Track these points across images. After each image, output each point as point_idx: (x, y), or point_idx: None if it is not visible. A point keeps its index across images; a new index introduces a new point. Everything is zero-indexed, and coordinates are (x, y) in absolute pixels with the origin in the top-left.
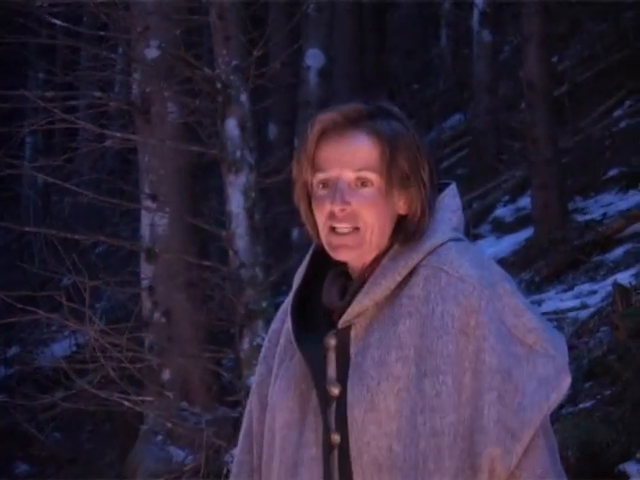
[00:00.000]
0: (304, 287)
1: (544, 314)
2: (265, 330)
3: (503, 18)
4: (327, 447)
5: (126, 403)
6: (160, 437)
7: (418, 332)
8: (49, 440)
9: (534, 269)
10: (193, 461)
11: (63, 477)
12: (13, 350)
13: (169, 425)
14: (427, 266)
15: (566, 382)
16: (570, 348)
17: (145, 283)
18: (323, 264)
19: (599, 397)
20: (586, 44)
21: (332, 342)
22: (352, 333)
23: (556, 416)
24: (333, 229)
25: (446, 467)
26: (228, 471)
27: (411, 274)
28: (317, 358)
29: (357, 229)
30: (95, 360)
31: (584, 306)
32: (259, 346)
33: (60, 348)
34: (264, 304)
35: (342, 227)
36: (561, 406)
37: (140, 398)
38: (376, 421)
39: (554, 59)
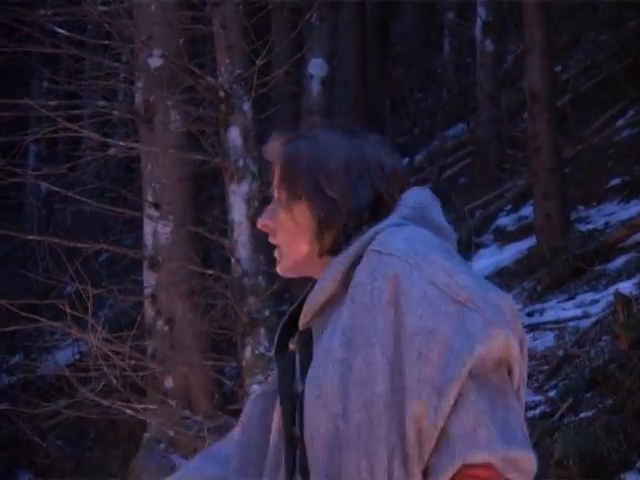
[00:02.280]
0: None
1: (545, 323)
2: (267, 338)
3: (506, 28)
4: (291, 442)
5: (128, 411)
6: (162, 445)
7: (354, 314)
8: (52, 448)
9: (536, 278)
10: None
11: None
12: (16, 358)
13: (171, 433)
14: (366, 253)
15: (496, 333)
16: (571, 357)
17: (148, 291)
18: None
19: (600, 406)
20: (588, 54)
21: (295, 345)
22: (313, 333)
23: (557, 425)
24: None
25: (378, 435)
26: None
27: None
28: (286, 363)
29: (278, 244)
30: (98, 368)
31: (586, 315)
32: (261, 354)
33: (63, 356)
34: (266, 312)
35: (272, 243)
36: (562, 415)
37: (142, 406)
38: (324, 405)
39: (557, 69)
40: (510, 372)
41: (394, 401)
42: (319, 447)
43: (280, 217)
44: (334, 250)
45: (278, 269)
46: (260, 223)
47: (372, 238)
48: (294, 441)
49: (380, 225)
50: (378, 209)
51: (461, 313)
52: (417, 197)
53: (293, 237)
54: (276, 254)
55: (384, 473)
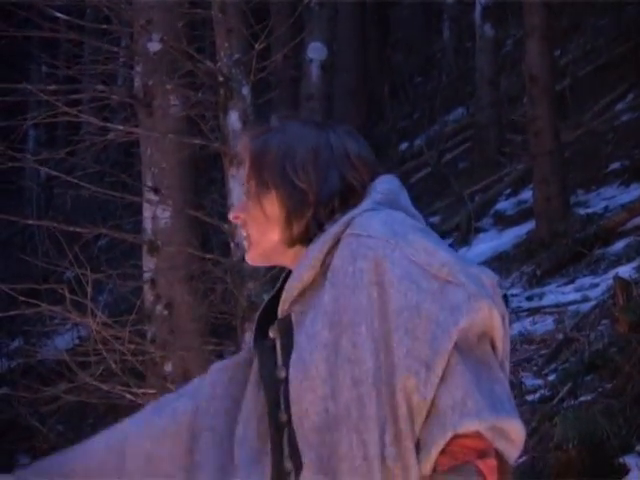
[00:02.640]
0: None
1: (545, 307)
2: None
3: (505, 12)
4: (277, 428)
5: (128, 396)
6: None
7: (336, 297)
8: (51, 433)
9: (535, 262)
10: None
11: None
12: (16, 343)
13: None
14: (344, 237)
15: (479, 306)
16: (571, 341)
17: (147, 276)
18: None
19: (600, 390)
20: (588, 38)
21: (275, 332)
22: (293, 319)
23: (557, 409)
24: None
25: (368, 413)
26: None
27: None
28: (267, 351)
29: (248, 234)
30: (97, 353)
31: (585, 299)
32: None
33: (62, 341)
34: (265, 297)
35: (243, 234)
36: (562, 399)
37: (142, 391)
38: (311, 388)
39: (556, 53)
40: (493, 345)
41: (383, 378)
42: (309, 429)
43: (250, 208)
44: (305, 239)
45: (247, 258)
46: (232, 215)
47: (348, 223)
48: (280, 426)
49: (355, 210)
50: (348, 197)
51: (443, 288)
52: (387, 184)
53: (263, 227)
54: (246, 243)
55: (377, 448)
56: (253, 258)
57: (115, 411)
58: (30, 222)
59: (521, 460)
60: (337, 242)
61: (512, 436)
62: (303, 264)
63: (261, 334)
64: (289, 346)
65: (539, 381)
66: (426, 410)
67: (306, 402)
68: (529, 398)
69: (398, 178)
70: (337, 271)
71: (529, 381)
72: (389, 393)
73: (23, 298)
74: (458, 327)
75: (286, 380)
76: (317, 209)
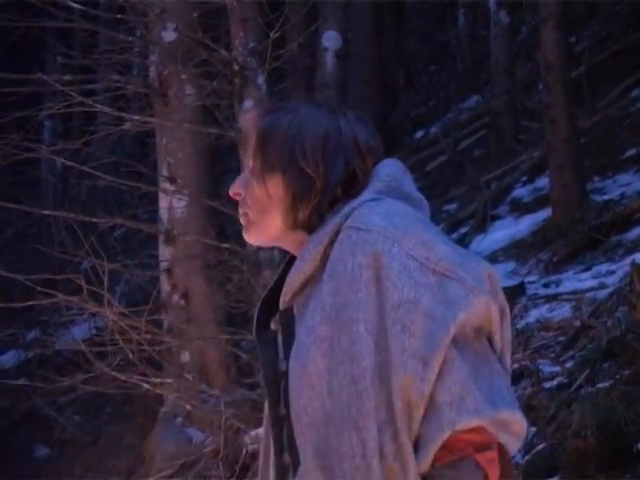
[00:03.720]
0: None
1: (562, 294)
2: None
3: None
4: (277, 421)
5: (145, 385)
6: (179, 419)
7: (334, 291)
8: (69, 423)
9: (552, 249)
10: (212, 443)
11: (83, 460)
12: (32, 333)
13: (188, 407)
14: (343, 229)
15: (477, 300)
16: (588, 328)
17: (163, 265)
18: None
19: (617, 377)
20: (603, 24)
21: (276, 324)
22: (295, 312)
23: (574, 396)
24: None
25: (367, 410)
26: (247, 453)
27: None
28: (268, 343)
29: (246, 213)
30: (114, 343)
31: (602, 286)
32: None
33: (79, 331)
34: None
35: (239, 211)
36: (580, 386)
37: (159, 380)
38: (309, 384)
39: (571, 39)
40: (491, 338)
41: (381, 375)
42: (306, 425)
43: (253, 187)
44: (308, 226)
45: (246, 236)
46: (231, 191)
47: (349, 214)
48: (280, 421)
49: (356, 201)
50: (351, 185)
51: (441, 283)
52: (389, 169)
53: (265, 209)
54: (243, 221)
55: (375, 446)
56: (254, 239)
57: (132, 401)
58: (46, 213)
59: (539, 447)
60: (337, 233)
61: (514, 427)
62: (304, 256)
63: (262, 325)
64: (290, 339)
65: (557, 368)
66: (424, 406)
67: (304, 398)
68: (547, 385)
69: (400, 161)
70: (336, 264)
71: (546, 368)
72: (386, 390)
73: (40, 289)
74: (455, 322)
75: (286, 374)
76: (322, 197)
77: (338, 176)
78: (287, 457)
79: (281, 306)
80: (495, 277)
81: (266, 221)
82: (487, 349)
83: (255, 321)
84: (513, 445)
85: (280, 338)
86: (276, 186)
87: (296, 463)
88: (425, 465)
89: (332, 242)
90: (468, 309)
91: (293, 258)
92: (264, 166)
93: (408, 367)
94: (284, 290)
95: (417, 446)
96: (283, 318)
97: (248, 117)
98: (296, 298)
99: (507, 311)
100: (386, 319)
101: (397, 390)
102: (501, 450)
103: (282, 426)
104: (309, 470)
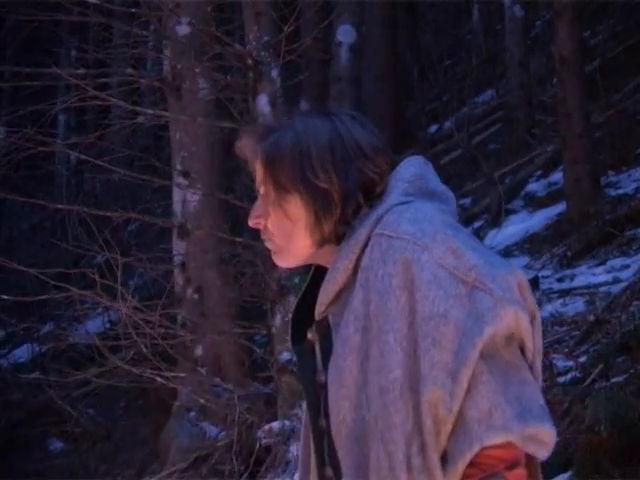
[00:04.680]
0: (310, 293)
1: (576, 289)
2: None
3: None
4: (318, 433)
5: (159, 379)
6: (193, 413)
7: (366, 300)
8: (83, 417)
9: (566, 244)
10: (226, 437)
11: (97, 453)
12: (47, 327)
13: (202, 401)
14: (373, 236)
15: (505, 312)
16: (602, 322)
17: (177, 260)
18: None
19: (632, 371)
20: (618, 19)
21: (313, 335)
22: (330, 321)
23: (588, 391)
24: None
25: (394, 422)
26: (260, 446)
27: (366, 248)
28: (306, 353)
29: (271, 239)
30: (128, 337)
31: (616, 280)
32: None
33: (93, 325)
34: (296, 280)
35: (263, 238)
36: (593, 381)
37: (173, 374)
38: (347, 396)
39: (586, 34)
40: (523, 346)
41: (409, 387)
42: (346, 438)
43: (271, 215)
44: (335, 238)
45: (277, 262)
46: (251, 222)
47: (378, 220)
48: (321, 433)
49: (384, 205)
50: (370, 189)
51: (470, 294)
52: (413, 168)
53: (290, 233)
54: (270, 246)
55: (402, 460)
56: (284, 263)
57: (146, 395)
58: (60, 207)
59: None
60: (368, 240)
61: (543, 439)
62: (336, 267)
63: (298, 336)
64: (328, 350)
65: (570, 363)
66: (452, 422)
67: (344, 410)
68: (560, 380)
69: (422, 156)
70: (367, 272)
71: (560, 363)
72: (415, 404)
73: (54, 283)
74: (483, 336)
75: (325, 386)
76: (344, 207)
77: (354, 183)
78: (329, 470)
79: (316, 317)
80: (525, 283)
81: (294, 245)
82: (518, 357)
83: (290, 331)
84: (541, 454)
85: (318, 349)
86: (295, 208)
87: (339, 476)
88: None
89: (363, 249)
90: (495, 322)
91: (319, 267)
92: (277, 191)
93: (438, 382)
94: (319, 301)
95: (445, 461)
96: (319, 328)
97: (244, 145)
98: (330, 308)
99: (538, 316)
100: (416, 331)
101: (426, 404)
102: (529, 460)
103: (323, 439)
104: None
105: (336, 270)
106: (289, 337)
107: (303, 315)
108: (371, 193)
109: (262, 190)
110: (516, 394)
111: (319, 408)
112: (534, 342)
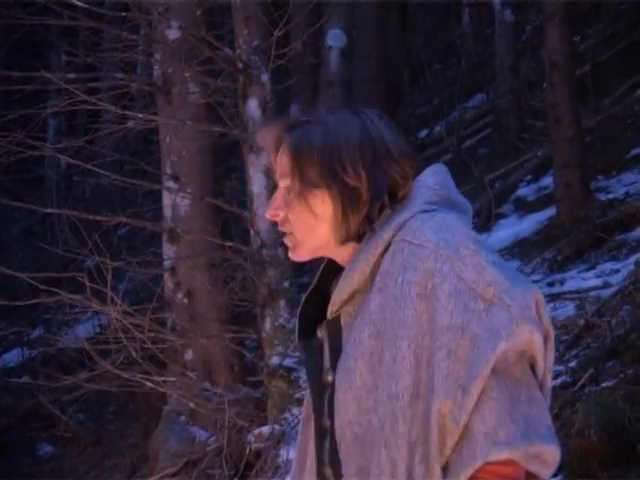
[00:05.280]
0: (318, 288)
1: (566, 293)
2: (287, 310)
3: None
4: (320, 432)
5: (149, 384)
6: (183, 417)
7: (383, 305)
8: (72, 421)
9: (556, 248)
10: (215, 441)
11: (87, 458)
12: (36, 332)
13: (192, 405)
14: (395, 241)
15: (520, 330)
16: (592, 327)
17: (167, 264)
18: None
19: (621, 376)
20: (608, 23)
21: (323, 333)
22: (342, 322)
23: (578, 395)
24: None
25: (400, 430)
26: (250, 451)
27: (386, 252)
28: (314, 351)
29: (291, 233)
30: (118, 341)
31: (606, 285)
32: (281, 326)
33: (83, 329)
34: (286, 284)
35: (282, 231)
36: (583, 385)
37: (163, 379)
38: (355, 398)
39: (576, 38)
40: (534, 363)
41: (419, 396)
42: (350, 440)
43: (294, 207)
44: (358, 236)
45: (293, 256)
46: (269, 214)
47: (401, 226)
48: (323, 432)
49: (407, 211)
50: (394, 192)
51: (488, 310)
52: (437, 177)
53: (311, 226)
54: (288, 241)
55: (405, 467)
56: (302, 257)
57: (136, 399)
58: (50, 211)
59: None
60: (388, 245)
61: (546, 459)
62: (354, 268)
63: (305, 332)
64: (337, 350)
65: (560, 367)
66: (458, 434)
67: (350, 412)
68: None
69: (445, 166)
70: (386, 277)
71: None
72: (423, 413)
73: (43, 287)
74: (496, 352)
75: (332, 385)
76: (371, 206)
77: (382, 184)
78: (328, 470)
79: (329, 316)
80: (541, 301)
81: (315, 240)
82: (528, 374)
83: (298, 326)
84: (544, 473)
85: (327, 347)
86: (321, 203)
87: (338, 477)
88: None
89: (383, 253)
90: (510, 339)
91: (330, 262)
92: (304, 184)
93: (449, 394)
94: (332, 300)
95: (447, 473)
96: (330, 327)
97: (268, 134)
98: (344, 308)
99: (552, 335)
100: (432, 341)
101: (435, 414)
102: (531, 477)
103: (324, 438)
104: None
105: (353, 271)
106: (296, 331)
107: (311, 310)
108: (395, 195)
109: (284, 182)
110: (523, 412)
111: (323, 407)
112: (546, 360)
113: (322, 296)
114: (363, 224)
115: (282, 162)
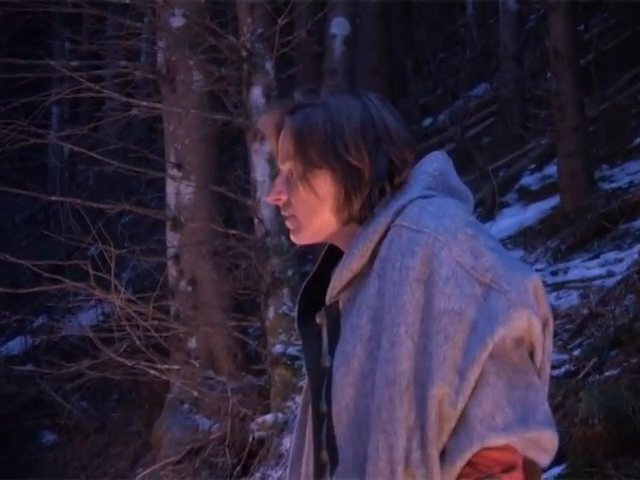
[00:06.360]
0: (319, 274)
1: (570, 282)
2: (290, 298)
3: None
4: (318, 417)
5: (152, 372)
6: (186, 406)
7: (382, 291)
8: (76, 409)
9: (560, 237)
10: (219, 430)
11: (90, 446)
12: (40, 320)
13: (195, 394)
14: (394, 226)
15: (518, 314)
16: (596, 316)
17: (171, 252)
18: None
19: (625, 365)
20: (612, 12)
21: (322, 318)
22: (340, 307)
23: (582, 384)
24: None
25: (398, 414)
26: (253, 439)
27: (384, 237)
28: (312, 336)
29: (293, 215)
30: (121, 329)
31: (610, 274)
32: (285, 314)
33: (86, 317)
34: (290, 272)
35: (284, 214)
36: (587, 374)
37: (166, 367)
38: (352, 383)
39: (580, 27)
40: (532, 350)
41: (416, 381)
42: (347, 425)
43: (297, 190)
44: (359, 218)
45: (295, 239)
46: (271, 198)
47: (400, 211)
48: (321, 417)
49: (406, 196)
50: (393, 175)
51: (486, 295)
52: (437, 163)
53: (314, 208)
54: (290, 224)
55: (402, 452)
56: (304, 240)
57: (139, 387)
58: (53, 199)
59: None
60: (387, 230)
61: (544, 445)
62: (353, 253)
63: (304, 317)
64: (336, 335)
65: (564, 356)
66: (455, 419)
67: (347, 397)
68: (554, 373)
69: (445, 154)
70: (384, 263)
71: (554, 356)
72: (421, 398)
73: (47, 275)
74: (494, 337)
75: (330, 370)
76: (373, 187)
77: (385, 164)
78: (325, 455)
79: (327, 301)
80: (540, 287)
81: (318, 221)
82: (526, 361)
83: (297, 311)
84: (542, 460)
85: (325, 333)
86: (324, 184)
87: (334, 461)
88: (450, 477)
89: (381, 239)
90: (507, 323)
91: (331, 247)
92: (307, 166)
93: (446, 379)
94: (331, 285)
95: (444, 458)
96: (329, 312)
97: (269, 117)
98: (342, 293)
99: (550, 321)
100: (429, 325)
101: (432, 400)
102: (531, 465)
103: (322, 422)
104: (348, 471)
105: (352, 257)
106: (295, 316)
107: (311, 295)
108: (394, 179)
109: (286, 166)
110: (520, 398)
111: (321, 392)
112: (544, 347)
113: (322, 282)
114: (365, 205)
115: (284, 145)
